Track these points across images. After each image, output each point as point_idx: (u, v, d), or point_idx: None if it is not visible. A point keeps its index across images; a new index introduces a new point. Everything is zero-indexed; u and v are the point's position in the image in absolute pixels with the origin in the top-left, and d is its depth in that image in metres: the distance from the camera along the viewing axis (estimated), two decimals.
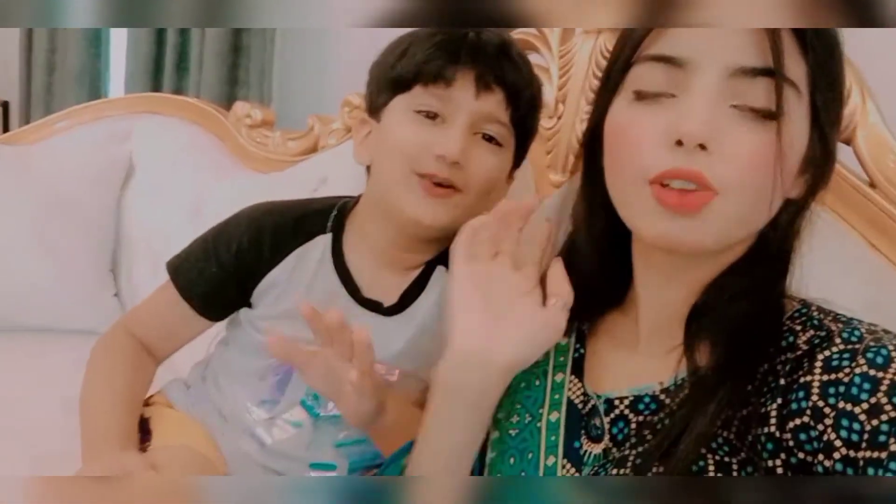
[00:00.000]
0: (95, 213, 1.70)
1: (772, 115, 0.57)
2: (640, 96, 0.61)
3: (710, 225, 0.59)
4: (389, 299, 0.92)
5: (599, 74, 1.07)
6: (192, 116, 1.80)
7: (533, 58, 1.19)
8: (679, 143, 0.58)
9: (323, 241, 0.94)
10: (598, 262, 0.72)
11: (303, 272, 0.93)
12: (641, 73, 0.61)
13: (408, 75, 0.85)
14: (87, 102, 2.03)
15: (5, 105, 2.80)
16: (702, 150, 0.57)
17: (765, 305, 0.63)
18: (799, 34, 0.58)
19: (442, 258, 0.93)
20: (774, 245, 0.64)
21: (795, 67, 0.58)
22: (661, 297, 0.68)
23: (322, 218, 0.96)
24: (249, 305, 0.97)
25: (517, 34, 1.19)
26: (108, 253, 1.72)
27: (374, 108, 0.91)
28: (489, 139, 0.86)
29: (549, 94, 1.15)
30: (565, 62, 1.13)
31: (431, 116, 0.85)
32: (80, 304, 1.66)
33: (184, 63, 2.33)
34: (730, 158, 0.58)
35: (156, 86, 2.36)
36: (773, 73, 0.57)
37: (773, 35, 0.56)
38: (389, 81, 0.88)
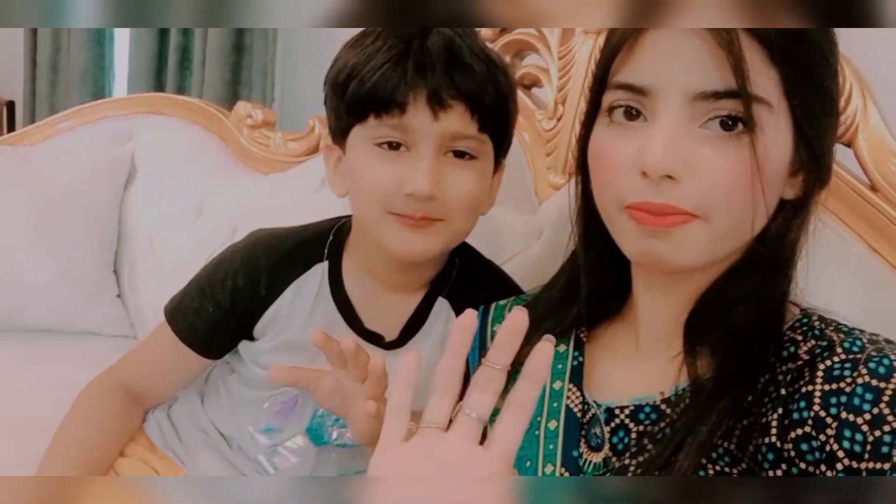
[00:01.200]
0: (98, 214, 1.70)
1: (744, 130, 0.57)
2: (614, 119, 0.61)
3: (686, 245, 0.59)
4: (390, 332, 0.90)
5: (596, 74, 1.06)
6: (194, 117, 1.80)
7: (532, 58, 1.19)
8: (644, 174, 0.58)
9: (320, 270, 0.91)
10: (597, 274, 0.72)
11: (302, 303, 0.90)
12: (612, 98, 0.61)
13: (359, 104, 0.79)
14: (91, 102, 2.04)
15: (11, 105, 2.81)
16: (669, 180, 0.57)
17: (765, 312, 0.63)
18: (766, 44, 0.56)
19: (442, 284, 0.92)
20: (770, 247, 0.63)
21: (764, 81, 0.56)
22: (659, 307, 0.68)
23: (318, 246, 0.92)
24: (251, 338, 0.94)
25: (516, 34, 1.19)
26: (110, 253, 1.72)
27: (336, 134, 0.86)
28: (461, 154, 0.81)
29: (548, 95, 1.15)
30: (565, 63, 1.12)
31: (394, 147, 0.79)
32: (83, 304, 1.66)
33: (186, 63, 2.33)
34: (704, 181, 0.57)
35: (159, 86, 2.37)
36: (738, 94, 0.56)
37: (733, 54, 0.55)
38: (342, 108, 0.82)
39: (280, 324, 0.91)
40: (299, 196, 1.38)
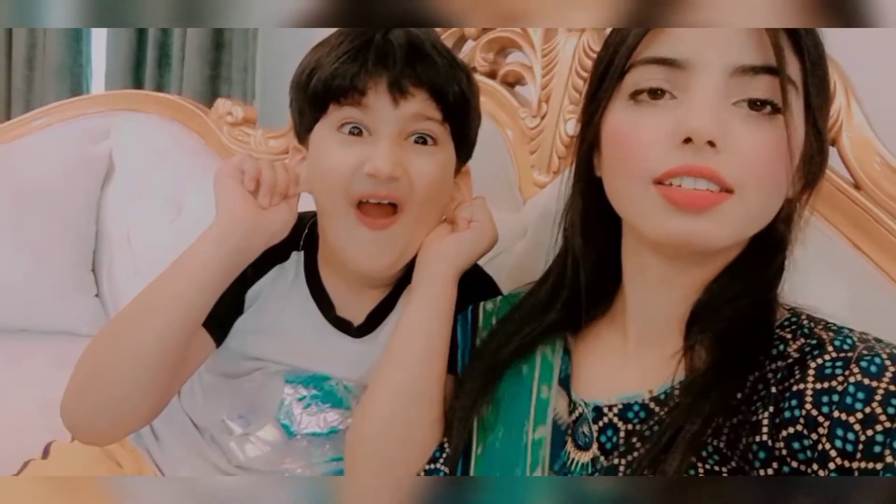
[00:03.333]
0: (75, 212, 1.68)
1: (773, 112, 0.58)
2: (640, 99, 0.61)
3: (722, 223, 0.59)
4: (358, 319, 0.91)
5: (584, 74, 1.07)
6: (174, 114, 1.78)
7: (516, 56, 1.19)
8: (687, 140, 0.58)
9: (296, 258, 0.92)
10: (593, 269, 0.72)
11: (281, 287, 0.91)
12: (639, 77, 0.61)
13: (320, 94, 0.80)
14: (68, 99, 2.01)
15: None
16: (711, 148, 0.57)
17: (758, 308, 0.63)
18: (792, 34, 0.58)
19: (410, 279, 0.90)
20: (771, 244, 0.63)
21: (792, 66, 0.58)
22: (652, 304, 0.68)
23: (296, 236, 0.92)
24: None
25: (500, 32, 1.18)
26: (88, 252, 1.70)
27: (300, 134, 0.87)
28: (423, 141, 0.81)
29: (532, 93, 1.14)
30: (548, 61, 1.11)
31: (356, 133, 0.80)
32: (60, 304, 1.64)
33: (165, 60, 2.30)
34: (741, 156, 0.58)
35: (137, 82, 2.33)
36: (774, 70, 0.57)
37: (774, 33, 0.57)
38: (306, 104, 0.83)
39: (259, 304, 0.91)
40: None
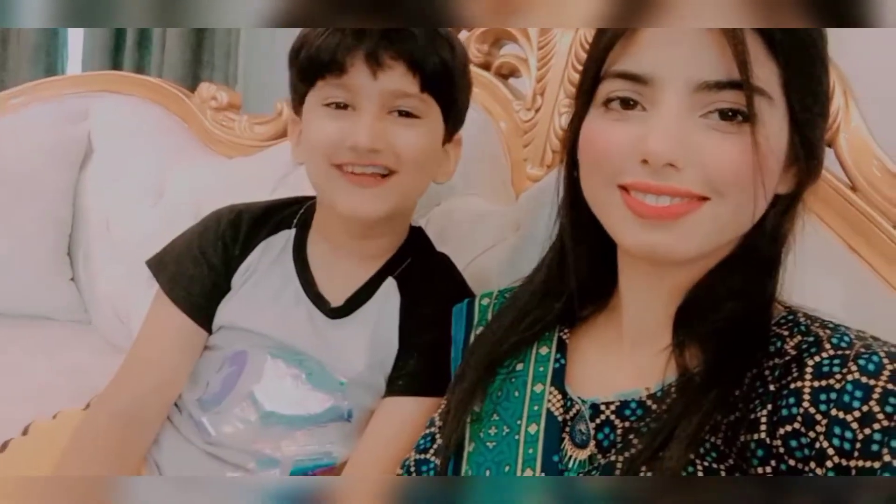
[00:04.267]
0: (51, 195, 1.64)
1: (745, 121, 0.57)
2: (611, 108, 0.61)
3: (690, 234, 0.59)
4: (337, 300, 0.92)
5: (580, 67, 1.06)
6: (155, 97, 1.75)
7: (511, 48, 1.18)
8: (645, 161, 0.57)
9: (287, 235, 0.95)
10: (585, 266, 0.71)
11: (265, 262, 0.94)
12: (609, 89, 0.61)
13: (306, 69, 0.84)
14: (43, 79, 1.96)
15: None
16: (671, 168, 0.57)
17: (753, 307, 0.62)
18: (767, 37, 0.57)
19: (395, 265, 0.93)
20: (764, 241, 0.63)
21: (765, 74, 0.57)
22: (646, 301, 0.67)
23: (289, 214, 0.97)
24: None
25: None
26: (64, 236, 1.66)
27: (295, 105, 0.91)
28: (406, 114, 0.84)
29: (527, 86, 1.14)
30: (544, 54, 1.11)
31: (342, 107, 0.83)
32: (35, 288, 1.61)
33: (145, 42, 2.26)
34: (707, 168, 0.57)
35: (115, 65, 2.28)
36: (740, 85, 0.56)
37: (737, 45, 0.55)
38: (296, 78, 0.87)
39: (243, 278, 0.93)
40: (267, 181, 1.35)
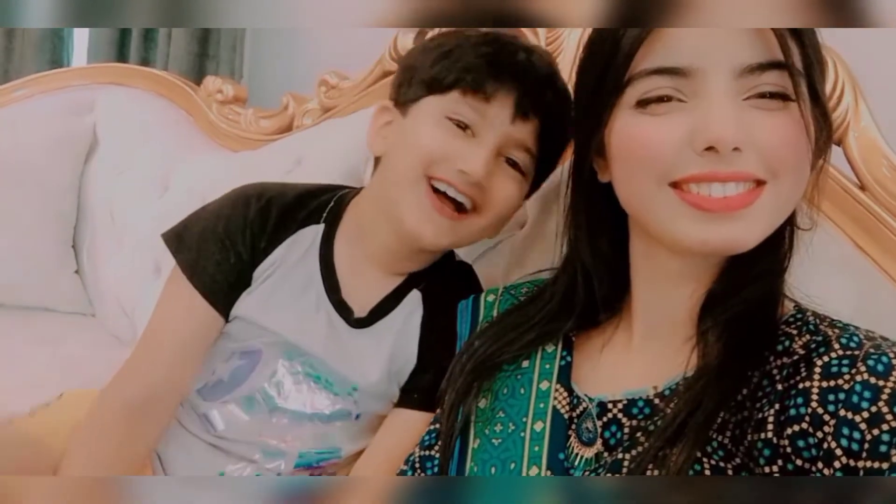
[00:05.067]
0: (56, 187, 1.65)
1: (783, 102, 0.58)
2: (646, 107, 0.60)
3: (756, 219, 0.59)
4: (360, 310, 0.90)
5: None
6: (161, 90, 1.75)
7: None
8: (710, 149, 0.57)
9: (314, 231, 0.91)
10: (604, 280, 0.71)
11: (292, 258, 0.90)
12: (644, 88, 0.60)
13: (447, 78, 0.81)
14: (48, 71, 1.95)
15: None
16: (735, 152, 0.57)
17: (764, 301, 0.63)
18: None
19: (420, 277, 0.91)
20: (780, 229, 0.62)
21: (797, 57, 0.58)
22: (661, 301, 0.67)
23: (319, 207, 0.92)
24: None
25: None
26: (69, 228, 1.67)
27: (402, 100, 0.86)
28: (513, 164, 0.82)
29: None
30: (553, 49, 1.10)
31: (462, 127, 0.81)
32: (39, 279, 1.61)
33: (151, 34, 2.26)
34: (765, 150, 0.57)
35: (121, 56, 2.28)
36: (781, 65, 0.57)
37: (777, 28, 0.56)
38: (425, 79, 0.83)
39: (266, 273, 0.90)
40: (273, 175, 1.33)
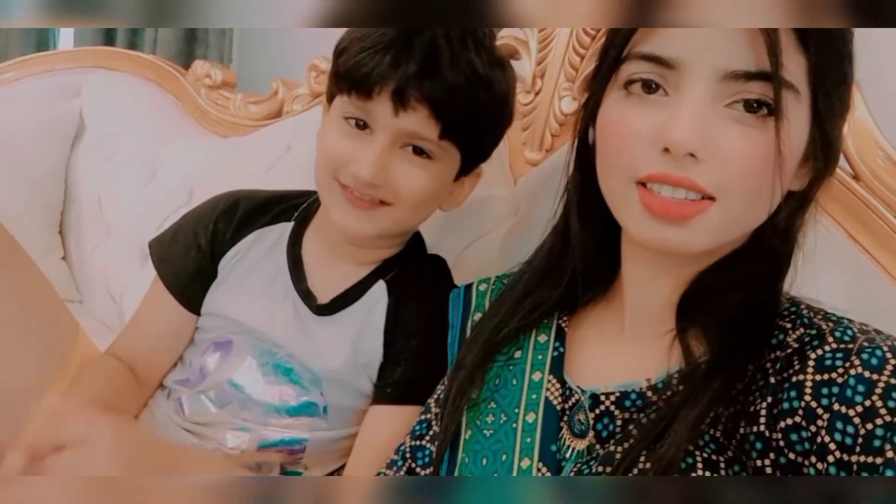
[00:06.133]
0: (42, 172, 1.63)
1: (768, 114, 0.55)
2: (632, 91, 0.59)
3: (700, 231, 0.58)
4: (324, 297, 0.92)
5: (581, 50, 1.05)
6: (148, 74, 1.73)
7: (511, 31, 1.16)
8: (667, 150, 0.56)
9: (283, 228, 0.95)
10: (591, 248, 0.70)
11: (259, 250, 0.94)
12: (632, 70, 0.59)
13: (340, 77, 0.83)
14: (35, 54, 1.93)
15: None
16: (691, 158, 0.56)
17: (760, 301, 0.62)
18: (799, 31, 0.55)
19: (387, 268, 0.93)
20: (775, 237, 0.62)
21: (794, 66, 0.55)
22: (650, 289, 0.66)
23: (290, 207, 0.96)
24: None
25: None
26: (55, 214, 1.65)
27: (328, 97, 0.89)
28: (420, 151, 0.82)
29: (526, 69, 1.12)
30: (545, 36, 1.09)
31: (361, 126, 0.82)
32: None
33: None
34: (724, 163, 0.56)
35: (108, 40, 2.25)
36: (768, 77, 0.54)
37: (770, 36, 0.54)
38: (331, 77, 0.86)
39: (231, 264, 0.94)
40: (263, 161, 1.34)
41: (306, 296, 0.91)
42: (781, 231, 0.62)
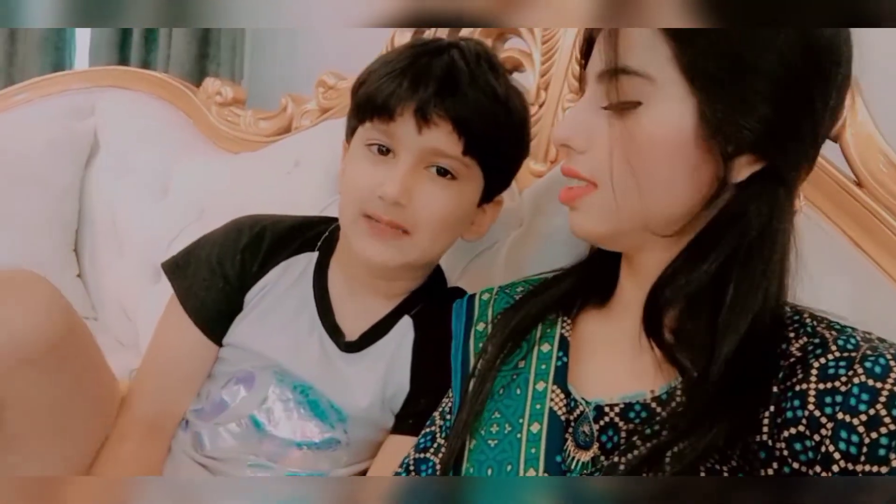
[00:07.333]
0: (57, 191, 1.64)
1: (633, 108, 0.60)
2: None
3: (587, 215, 0.65)
4: (352, 334, 0.91)
5: (583, 61, 1.05)
6: (161, 92, 1.75)
7: (515, 43, 1.17)
8: (564, 145, 0.67)
9: (309, 258, 0.94)
10: (593, 261, 0.73)
11: (285, 283, 0.92)
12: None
13: (361, 106, 0.83)
14: (51, 74, 1.96)
15: None
16: (580, 155, 0.65)
17: (759, 310, 0.60)
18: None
19: (412, 303, 0.92)
20: (730, 230, 0.61)
21: (650, 56, 0.59)
22: (639, 296, 0.66)
23: (313, 236, 0.95)
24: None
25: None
26: (70, 232, 1.66)
27: (347, 134, 0.90)
28: (444, 172, 0.82)
29: (530, 80, 1.12)
30: (548, 48, 1.10)
31: (384, 152, 0.82)
32: None
33: (152, 36, 2.26)
34: (596, 152, 0.63)
35: (122, 59, 2.28)
36: (628, 71, 0.60)
37: (611, 34, 0.60)
38: (351, 111, 0.87)
39: (259, 297, 0.92)
40: (272, 177, 1.34)
41: (333, 330, 0.91)
42: (743, 225, 0.60)
